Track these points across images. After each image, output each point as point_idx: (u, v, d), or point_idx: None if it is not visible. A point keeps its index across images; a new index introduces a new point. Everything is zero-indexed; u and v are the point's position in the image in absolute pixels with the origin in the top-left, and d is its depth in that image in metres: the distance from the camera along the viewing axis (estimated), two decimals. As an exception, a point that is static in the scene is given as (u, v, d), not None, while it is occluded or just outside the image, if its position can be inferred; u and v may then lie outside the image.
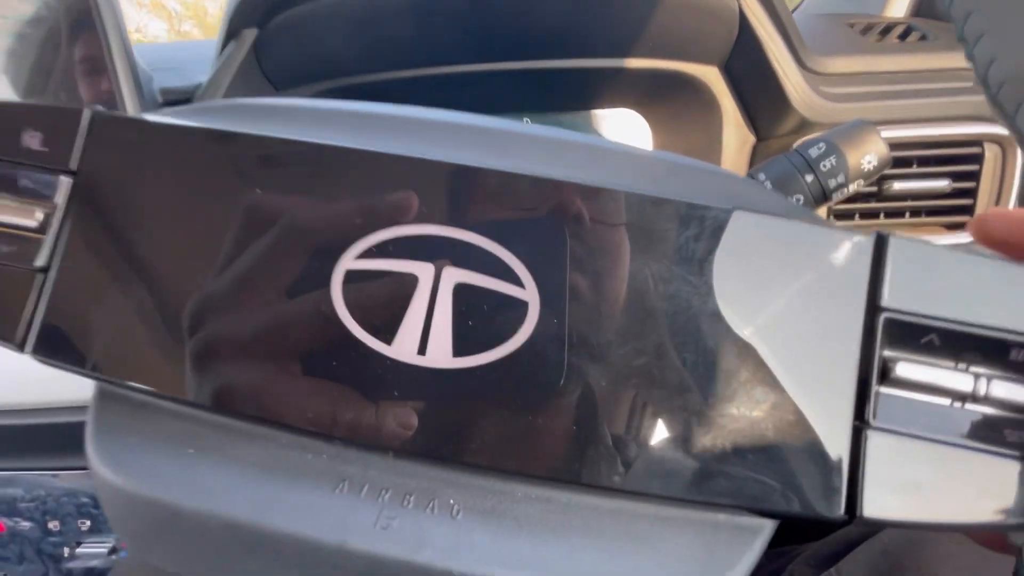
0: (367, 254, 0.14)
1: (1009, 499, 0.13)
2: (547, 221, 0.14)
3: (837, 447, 0.13)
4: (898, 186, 0.38)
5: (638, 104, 0.47)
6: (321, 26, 0.39)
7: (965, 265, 0.13)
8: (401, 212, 0.14)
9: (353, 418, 0.14)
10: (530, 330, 0.14)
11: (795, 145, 0.29)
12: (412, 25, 0.39)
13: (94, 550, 0.44)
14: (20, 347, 0.15)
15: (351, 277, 0.14)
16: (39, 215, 0.15)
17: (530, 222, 0.14)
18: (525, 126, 0.17)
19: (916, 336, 0.13)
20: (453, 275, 0.14)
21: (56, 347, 0.15)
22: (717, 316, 0.14)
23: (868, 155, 0.28)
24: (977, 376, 0.13)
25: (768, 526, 0.14)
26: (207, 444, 0.15)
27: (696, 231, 0.14)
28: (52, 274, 0.15)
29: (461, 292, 0.14)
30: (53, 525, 0.44)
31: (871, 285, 0.14)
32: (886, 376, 0.13)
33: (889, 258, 0.14)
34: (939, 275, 0.13)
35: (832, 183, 0.28)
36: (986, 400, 0.13)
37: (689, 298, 0.14)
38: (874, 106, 0.38)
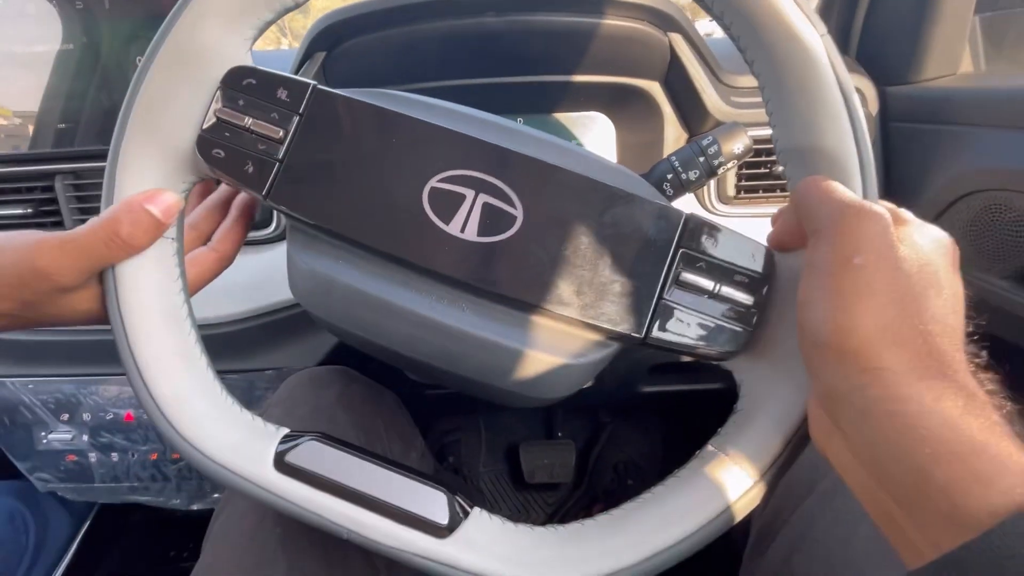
0: (441, 180, 0.28)
1: (721, 343, 0.26)
2: (530, 177, 0.28)
3: (647, 307, 0.26)
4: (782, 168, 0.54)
5: (604, 107, 0.62)
6: (372, 51, 0.54)
7: (723, 233, 0.27)
8: (461, 163, 0.28)
9: (423, 258, 0.27)
10: (515, 230, 0.27)
11: (695, 138, 0.44)
12: (437, 51, 0.54)
13: (201, 433, 0.59)
14: (264, 198, 0.27)
15: (432, 191, 0.27)
16: (281, 133, 0.27)
17: (523, 176, 0.27)
18: (525, 127, 0.32)
19: (694, 262, 0.26)
20: (482, 197, 0.28)
21: (280, 199, 0.27)
22: (603, 237, 0.26)
23: (737, 144, 0.43)
24: (716, 282, 0.26)
25: (614, 346, 0.28)
26: (350, 254, 0.28)
27: (600, 196, 0.27)
28: (284, 163, 0.27)
29: (485, 206, 0.28)
30: (171, 415, 0.58)
31: (680, 235, 0.26)
32: (677, 279, 0.26)
33: (690, 224, 0.26)
34: (711, 236, 0.27)
35: (716, 162, 0.43)
36: (719, 296, 0.26)
37: (590, 226, 0.27)
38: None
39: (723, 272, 0.26)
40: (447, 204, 0.27)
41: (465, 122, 0.29)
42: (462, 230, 0.27)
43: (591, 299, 0.27)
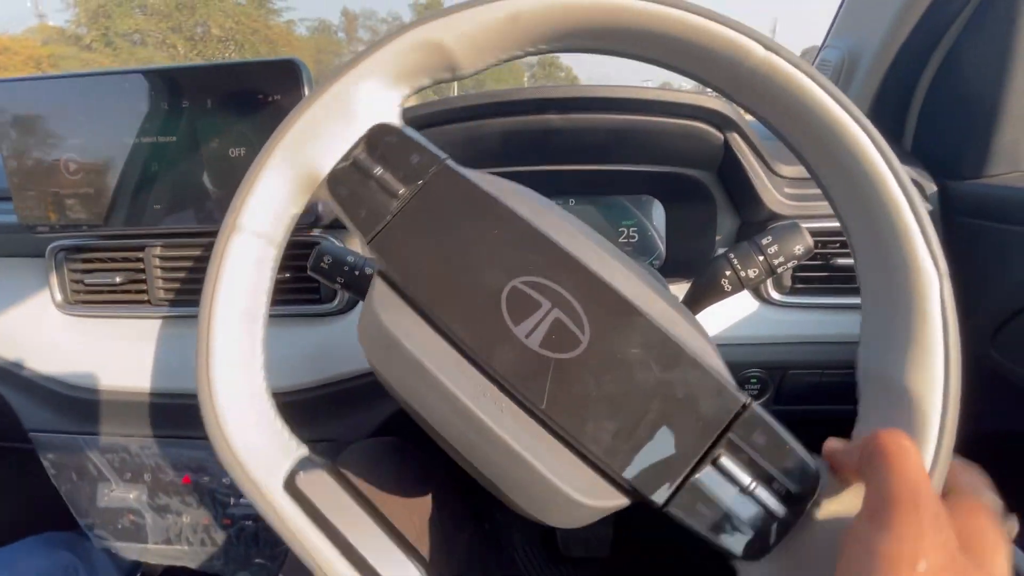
0: (526, 283, 0.27)
1: (734, 545, 0.25)
2: (609, 310, 0.27)
3: (676, 478, 0.26)
4: (840, 261, 0.54)
5: (656, 192, 0.64)
6: (442, 140, 0.58)
7: (778, 435, 0.25)
8: (550, 274, 0.28)
9: (484, 349, 0.27)
10: (575, 353, 0.26)
11: (754, 236, 0.45)
12: (500, 142, 0.58)
13: (252, 500, 0.60)
14: (367, 242, 0.28)
15: (513, 290, 0.27)
16: (401, 191, 0.28)
17: (602, 307, 0.27)
18: (627, 258, 0.30)
19: (737, 451, 0.25)
20: (557, 312, 0.27)
21: (379, 249, 0.28)
22: (656, 393, 0.26)
23: (798, 245, 0.43)
24: (754, 480, 0.25)
25: (627, 501, 0.27)
26: (422, 322, 0.28)
27: (669, 352, 0.26)
28: (394, 219, 0.28)
29: (556, 321, 0.27)
30: (226, 480, 0.60)
31: (731, 420, 0.25)
32: (715, 462, 0.25)
33: (745, 414, 0.25)
34: (765, 432, 0.25)
35: (775, 262, 0.43)
36: (752, 495, 0.25)
37: (647, 378, 0.26)
38: (820, 204, 0.54)
39: (763, 474, 0.25)
40: (522, 306, 0.27)
41: (568, 236, 0.29)
42: (527, 335, 0.27)
43: (624, 449, 0.26)
